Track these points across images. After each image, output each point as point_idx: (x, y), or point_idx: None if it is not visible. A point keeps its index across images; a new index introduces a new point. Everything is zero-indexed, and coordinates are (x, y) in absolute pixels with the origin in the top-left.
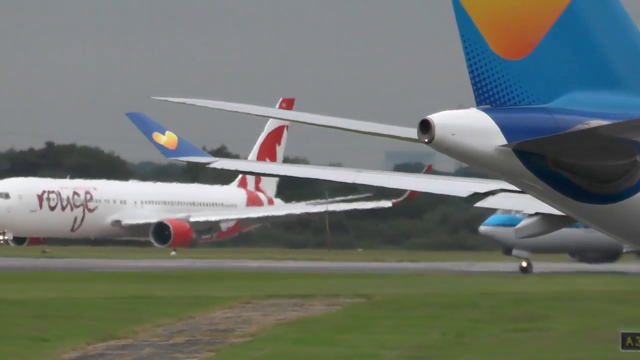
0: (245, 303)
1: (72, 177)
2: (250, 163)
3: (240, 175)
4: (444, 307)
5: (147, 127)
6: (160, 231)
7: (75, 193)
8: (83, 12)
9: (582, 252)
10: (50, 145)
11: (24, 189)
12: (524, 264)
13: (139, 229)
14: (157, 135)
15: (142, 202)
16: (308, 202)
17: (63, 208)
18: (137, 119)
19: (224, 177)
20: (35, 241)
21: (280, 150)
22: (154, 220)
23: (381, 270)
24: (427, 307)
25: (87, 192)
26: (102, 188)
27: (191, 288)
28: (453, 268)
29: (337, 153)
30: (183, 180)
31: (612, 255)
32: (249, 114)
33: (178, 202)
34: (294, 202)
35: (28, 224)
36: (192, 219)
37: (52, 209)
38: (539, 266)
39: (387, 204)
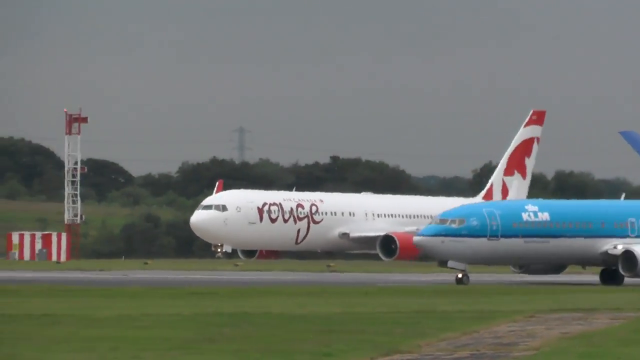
0: (529, 317)
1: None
2: None
3: (486, 188)
4: None
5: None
6: (387, 244)
7: (299, 205)
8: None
9: (524, 264)
10: (335, 159)
11: (242, 201)
12: (460, 276)
13: (367, 241)
14: None
15: (373, 214)
16: None
17: (285, 220)
18: (631, 138)
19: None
20: (266, 254)
21: (529, 163)
22: (382, 233)
23: None
24: None
25: (312, 204)
26: (329, 200)
27: (475, 302)
28: None
29: None
30: (467, 194)
31: (556, 267)
32: None
33: (413, 215)
34: None
35: (247, 237)
36: None
37: (273, 221)
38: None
39: None
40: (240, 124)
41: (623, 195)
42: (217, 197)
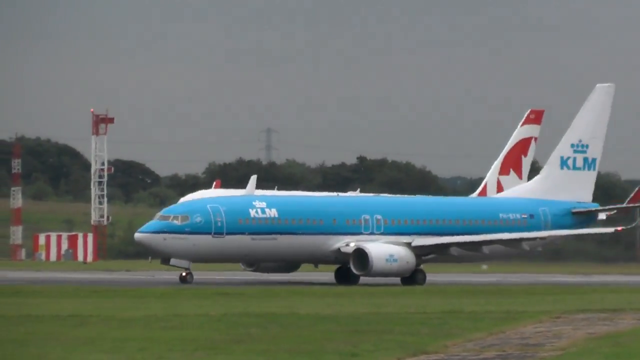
0: (556, 317)
1: (357, 190)
2: None
3: (480, 187)
4: None
5: None
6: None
7: None
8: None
9: (253, 262)
10: (361, 159)
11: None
12: (184, 274)
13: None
14: None
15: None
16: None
17: None
18: None
19: None
20: None
21: (526, 162)
22: None
23: None
24: None
25: None
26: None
27: (502, 302)
28: None
29: None
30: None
31: (289, 265)
32: None
33: None
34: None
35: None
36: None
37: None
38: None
39: None
40: (267, 125)
41: (358, 190)
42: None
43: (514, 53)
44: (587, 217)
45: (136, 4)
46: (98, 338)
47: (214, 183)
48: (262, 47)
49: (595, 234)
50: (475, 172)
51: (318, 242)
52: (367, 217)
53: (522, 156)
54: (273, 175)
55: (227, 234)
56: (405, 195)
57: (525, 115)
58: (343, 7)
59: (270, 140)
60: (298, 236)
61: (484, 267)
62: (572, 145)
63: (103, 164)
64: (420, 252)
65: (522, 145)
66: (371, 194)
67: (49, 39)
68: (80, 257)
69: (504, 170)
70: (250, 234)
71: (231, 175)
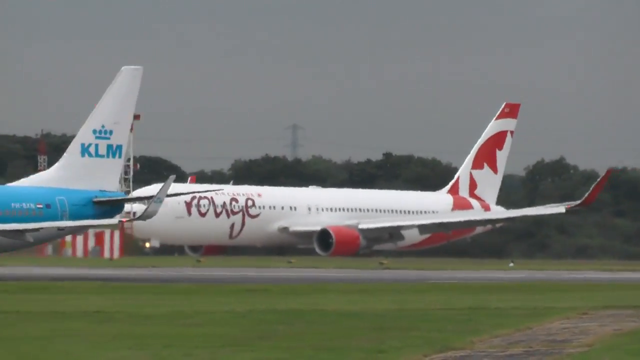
0: (582, 314)
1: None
2: None
3: (452, 181)
4: None
5: None
6: (324, 238)
7: (233, 199)
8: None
9: None
10: (387, 156)
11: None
12: None
13: (308, 236)
14: None
15: (317, 208)
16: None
17: (217, 214)
18: None
19: None
20: (212, 250)
21: (501, 156)
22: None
23: None
24: None
25: (248, 198)
26: (268, 194)
27: (528, 299)
28: None
29: None
30: (518, 191)
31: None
32: None
33: (362, 209)
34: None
35: (174, 231)
36: (361, 226)
37: (203, 215)
38: None
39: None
40: (293, 121)
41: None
42: (141, 192)
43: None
44: (113, 207)
45: (164, 3)
46: (123, 334)
47: (189, 178)
48: (289, 43)
49: None
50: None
51: None
52: None
53: (497, 149)
54: (299, 172)
55: None
56: None
57: (501, 108)
58: (368, 3)
59: (296, 137)
60: None
61: (511, 264)
62: (95, 132)
63: (129, 160)
64: None
65: (497, 139)
66: None
67: (76, 37)
68: (107, 254)
69: (477, 164)
70: None
71: (257, 171)
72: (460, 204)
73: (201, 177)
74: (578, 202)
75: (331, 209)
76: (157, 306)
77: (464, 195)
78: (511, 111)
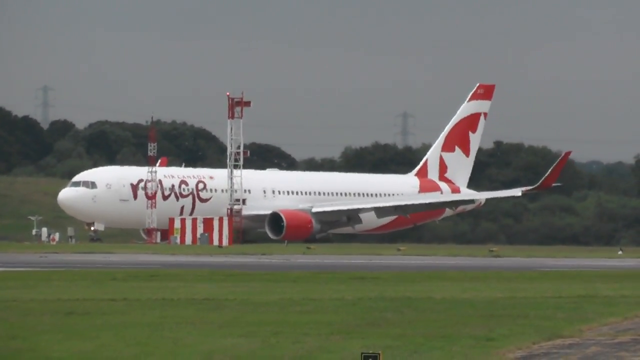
0: None
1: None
2: None
3: (421, 164)
4: None
5: None
6: (276, 222)
7: (182, 182)
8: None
9: None
10: (498, 144)
11: (114, 178)
12: None
13: (261, 219)
14: None
15: (274, 191)
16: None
17: (165, 197)
18: None
19: None
20: (166, 234)
21: (474, 139)
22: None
23: None
24: None
25: (199, 181)
26: (221, 177)
27: (638, 287)
28: None
29: None
30: (628, 180)
31: None
32: None
33: (320, 192)
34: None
35: (119, 214)
36: (315, 209)
37: (150, 198)
38: None
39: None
40: (404, 109)
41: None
42: (86, 174)
43: None
44: None
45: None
46: (233, 322)
47: (160, 160)
48: (400, 34)
49: None
50: (612, 157)
51: None
52: None
53: (470, 132)
54: (409, 160)
55: None
56: None
57: (473, 90)
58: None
59: (407, 125)
60: None
61: (620, 252)
62: None
63: (239, 147)
64: None
65: (470, 121)
66: None
67: (185, 27)
68: (216, 241)
69: (447, 147)
70: None
71: (367, 159)
72: (427, 187)
73: (311, 165)
74: (534, 186)
75: (287, 192)
76: (267, 293)
77: (432, 178)
78: (485, 92)
